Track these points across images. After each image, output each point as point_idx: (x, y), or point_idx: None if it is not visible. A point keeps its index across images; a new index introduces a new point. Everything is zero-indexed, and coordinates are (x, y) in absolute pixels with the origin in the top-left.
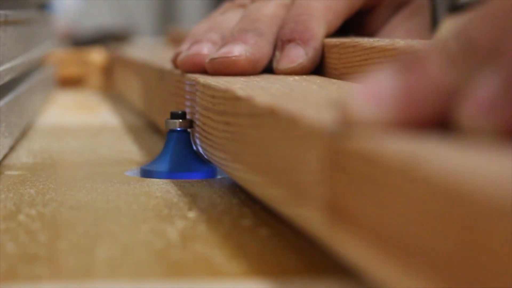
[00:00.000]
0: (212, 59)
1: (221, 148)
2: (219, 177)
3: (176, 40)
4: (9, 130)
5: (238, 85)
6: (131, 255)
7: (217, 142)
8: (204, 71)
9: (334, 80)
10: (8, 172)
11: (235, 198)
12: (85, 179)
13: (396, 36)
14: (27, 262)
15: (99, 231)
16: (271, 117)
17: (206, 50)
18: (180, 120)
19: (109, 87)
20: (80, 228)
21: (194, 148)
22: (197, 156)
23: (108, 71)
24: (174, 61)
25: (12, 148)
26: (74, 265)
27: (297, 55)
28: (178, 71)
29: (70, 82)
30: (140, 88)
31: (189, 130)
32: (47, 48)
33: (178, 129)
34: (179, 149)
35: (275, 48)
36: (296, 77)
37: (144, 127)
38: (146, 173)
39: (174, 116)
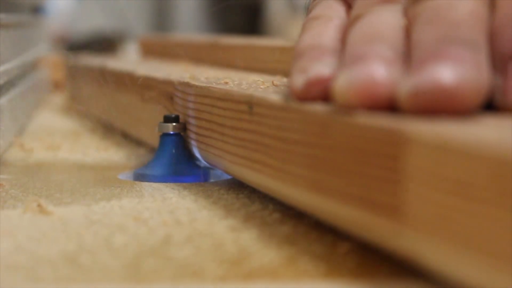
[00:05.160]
0: (414, 92)
1: None
2: (212, 180)
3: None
4: (2, 133)
5: None
6: (127, 257)
7: None
8: (381, 105)
9: None
10: (0, 176)
11: (231, 201)
12: (78, 183)
13: None
14: (11, 269)
15: (93, 234)
16: None
17: (380, 73)
18: (174, 124)
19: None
20: (74, 232)
21: (187, 151)
22: (190, 159)
23: (67, 81)
24: (308, 90)
25: (4, 151)
26: (69, 268)
27: None
28: (312, 108)
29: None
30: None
31: (182, 133)
32: (41, 51)
33: (171, 132)
34: (172, 152)
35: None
36: None
37: None
38: (140, 177)
39: (167, 119)
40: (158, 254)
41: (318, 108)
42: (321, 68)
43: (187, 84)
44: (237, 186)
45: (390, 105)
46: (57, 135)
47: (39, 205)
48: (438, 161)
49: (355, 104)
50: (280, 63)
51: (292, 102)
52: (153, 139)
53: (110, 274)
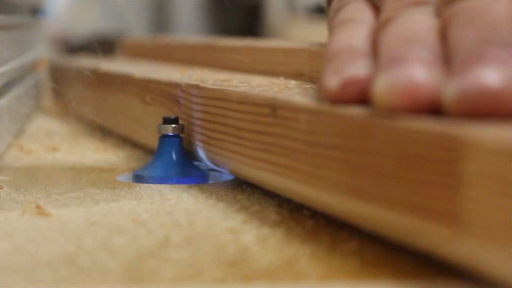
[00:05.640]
0: (460, 96)
1: None
2: (211, 182)
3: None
4: (1, 134)
5: None
6: (126, 259)
7: None
8: (423, 108)
9: None
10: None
11: (230, 202)
12: (77, 184)
13: None
14: (10, 270)
15: (92, 236)
16: None
17: (422, 75)
18: (173, 125)
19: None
20: (73, 233)
21: (187, 153)
22: (190, 161)
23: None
24: (343, 91)
25: (3, 153)
26: (68, 269)
27: None
28: (350, 111)
29: None
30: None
31: (181, 135)
32: (40, 53)
33: (171, 134)
34: (171, 154)
35: None
36: None
37: None
38: (139, 178)
39: (166, 121)
40: (157, 256)
41: (356, 111)
42: (357, 68)
43: (196, 87)
44: (236, 187)
45: (432, 108)
46: (56, 137)
47: (38, 207)
48: (498, 165)
49: (396, 107)
50: (284, 65)
51: (326, 105)
52: (155, 142)
53: (109, 275)
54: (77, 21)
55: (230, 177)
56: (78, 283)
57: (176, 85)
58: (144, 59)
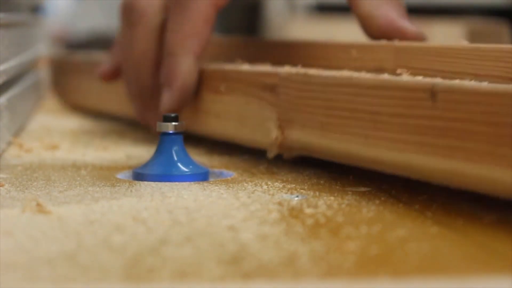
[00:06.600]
0: None
1: None
2: (211, 180)
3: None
4: (1, 132)
5: None
6: (126, 257)
7: None
8: None
9: None
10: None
11: (230, 200)
12: (77, 182)
13: None
14: (10, 268)
15: (92, 233)
16: None
17: None
18: (173, 123)
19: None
20: (73, 231)
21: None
22: (190, 158)
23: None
24: None
25: (3, 151)
26: (67, 267)
27: None
28: None
29: None
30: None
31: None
32: (40, 51)
33: (171, 132)
34: (171, 151)
35: None
36: None
37: (132, 130)
38: (139, 176)
39: (167, 119)
40: (157, 254)
41: None
42: None
43: (306, 75)
44: (237, 185)
45: None
46: (56, 135)
47: (38, 204)
48: None
49: None
50: (358, 61)
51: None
52: (233, 130)
53: (109, 273)
54: (77, 19)
55: (230, 175)
56: (77, 281)
57: (270, 75)
58: None
